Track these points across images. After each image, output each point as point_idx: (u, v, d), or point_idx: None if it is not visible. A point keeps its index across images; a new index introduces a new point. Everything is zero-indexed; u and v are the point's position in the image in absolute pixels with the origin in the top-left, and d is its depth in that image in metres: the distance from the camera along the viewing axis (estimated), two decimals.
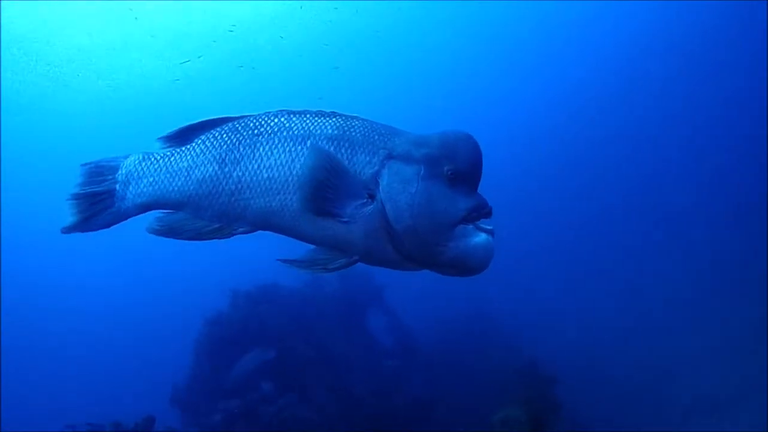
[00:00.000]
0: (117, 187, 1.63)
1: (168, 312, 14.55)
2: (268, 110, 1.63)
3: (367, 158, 1.52)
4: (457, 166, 1.49)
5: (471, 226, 1.48)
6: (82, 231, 1.62)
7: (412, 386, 7.13)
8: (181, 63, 14.94)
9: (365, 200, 1.50)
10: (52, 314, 18.47)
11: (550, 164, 21.52)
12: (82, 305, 18.64)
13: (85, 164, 1.68)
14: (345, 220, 1.49)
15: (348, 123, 1.58)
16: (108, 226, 1.66)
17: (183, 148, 1.64)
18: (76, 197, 1.62)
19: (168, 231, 1.62)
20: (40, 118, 17.09)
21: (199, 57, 15.05)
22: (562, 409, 5.47)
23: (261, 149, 1.56)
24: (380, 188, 1.49)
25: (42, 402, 12.31)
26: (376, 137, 1.56)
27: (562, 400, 6.81)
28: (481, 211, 1.50)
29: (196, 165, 1.60)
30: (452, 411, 6.51)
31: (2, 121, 16.18)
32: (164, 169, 1.63)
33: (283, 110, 1.63)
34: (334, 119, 1.59)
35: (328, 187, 1.47)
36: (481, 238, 1.47)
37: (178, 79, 16.00)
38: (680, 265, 10.91)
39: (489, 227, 1.49)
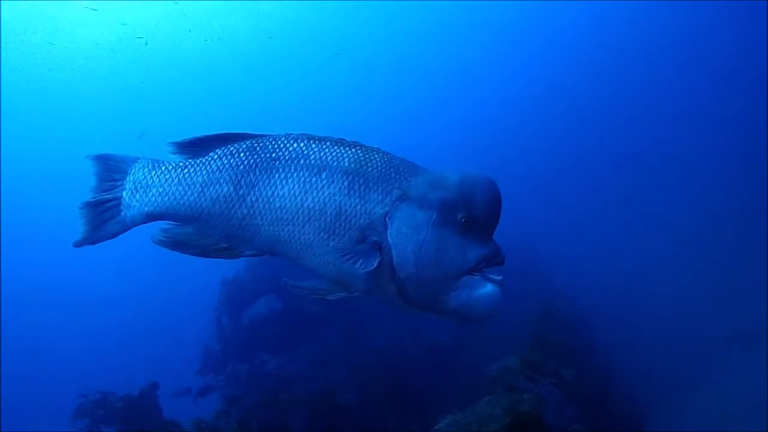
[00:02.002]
0: (124, 194, 1.57)
1: (191, 281, 15.15)
2: (289, 132, 1.57)
3: (380, 197, 1.46)
4: (472, 213, 1.41)
5: (478, 277, 1.42)
6: (92, 243, 1.58)
7: (431, 337, 6.98)
8: (145, 44, 16.00)
9: (372, 241, 1.45)
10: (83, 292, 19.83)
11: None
12: (107, 279, 19.82)
13: (94, 158, 1.60)
14: (348, 259, 1.45)
15: (366, 156, 1.51)
16: (114, 236, 1.60)
17: (198, 161, 1.56)
18: (87, 206, 1.57)
19: (174, 244, 1.57)
20: (41, 115, 18.51)
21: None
22: (567, 355, 5.14)
23: (276, 176, 1.51)
24: (388, 231, 1.43)
25: (71, 372, 13.24)
26: (393, 175, 1.49)
27: (585, 343, 6.55)
28: (491, 261, 1.43)
29: (212, 182, 1.53)
30: (465, 361, 6.34)
31: (2, 120, 17.40)
32: (176, 180, 1.55)
33: (304, 134, 1.55)
34: (353, 150, 1.52)
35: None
36: (487, 289, 1.41)
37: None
38: (714, 207, 10.20)
39: (498, 277, 1.42)
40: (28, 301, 19.27)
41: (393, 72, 24.57)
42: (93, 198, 1.57)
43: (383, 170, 1.49)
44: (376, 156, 1.52)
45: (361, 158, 1.50)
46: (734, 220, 9.25)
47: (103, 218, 1.57)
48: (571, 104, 22.78)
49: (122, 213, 1.58)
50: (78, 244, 1.57)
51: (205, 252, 1.56)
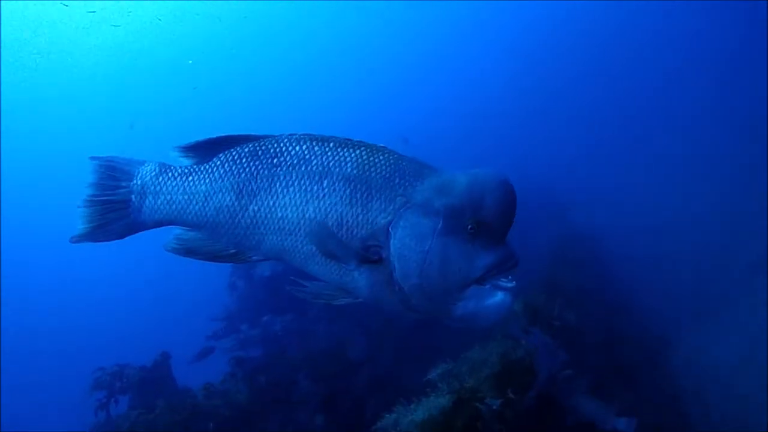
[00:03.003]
0: (132, 197, 1.56)
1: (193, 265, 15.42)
2: (292, 132, 1.51)
3: (383, 205, 1.40)
4: (481, 217, 1.33)
5: (487, 286, 1.35)
6: (93, 241, 1.56)
7: None
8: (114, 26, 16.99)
9: (374, 252, 1.41)
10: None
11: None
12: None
13: (96, 160, 1.57)
14: (351, 269, 1.43)
15: (371, 159, 1.44)
16: (122, 236, 1.60)
17: (202, 168, 1.55)
18: (89, 204, 1.54)
19: (186, 251, 1.59)
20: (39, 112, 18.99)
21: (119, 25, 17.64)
22: (578, 293, 5.00)
23: (277, 184, 1.47)
24: (391, 241, 1.37)
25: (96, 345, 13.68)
26: (397, 180, 1.42)
27: (600, 275, 6.39)
28: (502, 267, 1.35)
29: (214, 191, 1.52)
30: None
31: (2, 117, 17.77)
32: (182, 189, 1.55)
33: (307, 135, 1.50)
34: (356, 152, 1.45)
35: (330, 248, 1.41)
36: (496, 299, 1.34)
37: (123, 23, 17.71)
38: (739, 132, 9.65)
39: (510, 285, 1.35)
40: (28, 294, 20.03)
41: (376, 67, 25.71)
42: (96, 197, 1.55)
43: (387, 175, 1.42)
44: (381, 158, 1.44)
45: (365, 162, 1.43)
46: (760, 145, 8.75)
47: (108, 218, 1.55)
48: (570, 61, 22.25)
49: (131, 216, 1.57)
50: (75, 240, 1.55)
51: (215, 257, 1.57)
